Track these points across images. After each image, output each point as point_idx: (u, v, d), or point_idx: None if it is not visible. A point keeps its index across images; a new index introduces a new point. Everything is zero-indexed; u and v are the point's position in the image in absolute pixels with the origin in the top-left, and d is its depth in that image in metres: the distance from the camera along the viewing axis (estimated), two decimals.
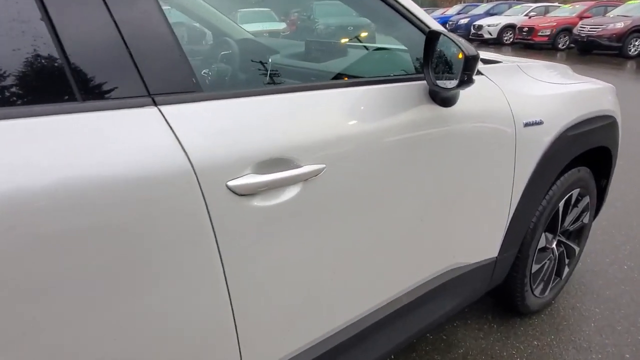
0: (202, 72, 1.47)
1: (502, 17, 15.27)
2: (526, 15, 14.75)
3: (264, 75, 1.18)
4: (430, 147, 1.17)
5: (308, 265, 0.97)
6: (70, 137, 0.66)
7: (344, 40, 1.77)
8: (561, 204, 1.72)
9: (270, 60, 1.54)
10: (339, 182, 0.97)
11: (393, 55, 1.36)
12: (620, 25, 10.59)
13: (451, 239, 1.36)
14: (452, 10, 19.53)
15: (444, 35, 1.03)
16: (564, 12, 13.61)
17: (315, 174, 0.91)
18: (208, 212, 0.78)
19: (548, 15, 13.99)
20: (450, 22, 17.16)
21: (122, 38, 0.73)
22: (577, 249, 1.98)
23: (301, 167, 0.89)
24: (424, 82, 1.14)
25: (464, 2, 23.26)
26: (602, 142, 1.75)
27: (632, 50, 10.52)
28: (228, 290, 0.84)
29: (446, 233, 1.33)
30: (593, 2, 13.80)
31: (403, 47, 1.31)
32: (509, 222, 1.49)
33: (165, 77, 0.77)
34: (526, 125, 1.40)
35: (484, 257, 1.49)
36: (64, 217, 0.64)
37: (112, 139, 0.69)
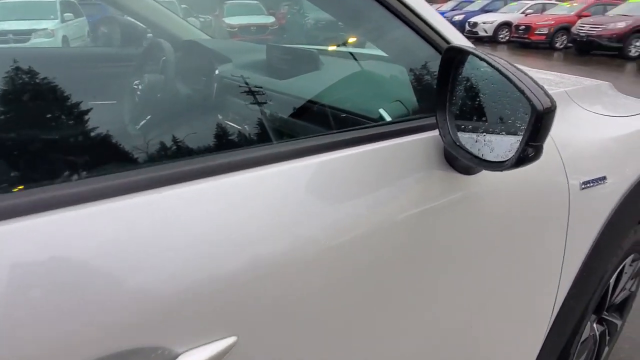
0: None
1: (498, 15, 14.81)
2: (523, 12, 14.29)
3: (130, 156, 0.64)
4: (438, 247, 0.69)
5: None
6: None
7: (321, 49, 1.26)
8: (612, 280, 1.26)
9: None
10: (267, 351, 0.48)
11: (379, 83, 0.86)
12: (621, 25, 10.18)
13: (476, 355, 0.89)
14: (446, 7, 18.98)
15: (481, 58, 0.53)
16: (562, 10, 13.18)
17: None
18: None
19: (545, 13, 13.56)
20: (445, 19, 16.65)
21: None
22: (619, 323, 1.52)
23: (177, 357, 0.40)
24: (434, 133, 0.66)
25: None
26: None
27: (633, 51, 10.13)
28: None
29: (469, 349, 0.85)
30: (592, 0, 13.39)
31: (400, 69, 0.81)
32: (551, 321, 1.01)
33: None
34: (584, 186, 0.92)
35: None
36: None
37: None
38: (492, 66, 0.52)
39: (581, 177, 0.92)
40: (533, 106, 0.47)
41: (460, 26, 15.53)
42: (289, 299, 0.52)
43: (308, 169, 0.57)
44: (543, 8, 14.36)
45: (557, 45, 12.22)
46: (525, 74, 0.51)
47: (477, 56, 0.55)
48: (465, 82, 0.59)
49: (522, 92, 0.48)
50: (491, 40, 14.14)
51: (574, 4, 13.37)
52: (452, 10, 17.60)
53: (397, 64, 0.82)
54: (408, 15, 0.67)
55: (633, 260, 1.38)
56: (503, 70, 0.51)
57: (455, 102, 0.60)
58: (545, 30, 12.21)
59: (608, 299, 1.32)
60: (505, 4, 16.10)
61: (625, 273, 1.40)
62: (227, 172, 0.51)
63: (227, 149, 0.59)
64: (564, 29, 12.02)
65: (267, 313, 0.50)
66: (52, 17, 3.70)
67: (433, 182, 0.68)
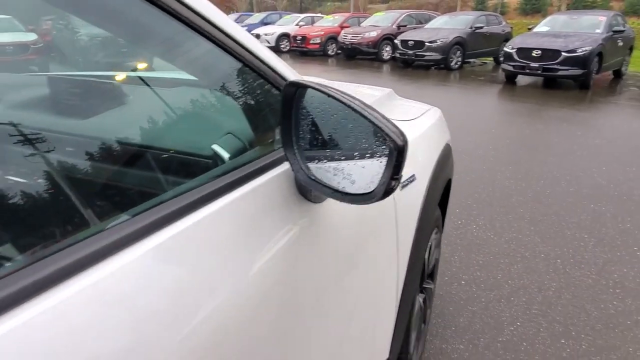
0: None
1: (277, 27, 15.95)
2: (297, 24, 15.75)
3: None
4: (307, 271, 0.69)
5: None
6: None
7: (118, 76, 1.07)
8: (426, 256, 1.49)
9: None
10: None
11: (213, 120, 0.79)
12: (373, 34, 12.24)
13: None
14: None
15: (329, 94, 0.54)
16: (328, 22, 15.03)
17: None
18: None
19: (315, 24, 15.24)
20: None
21: None
22: (433, 287, 1.82)
23: None
24: (284, 168, 0.64)
25: (237, 12, 23.63)
26: (450, 174, 1.59)
27: (385, 55, 12.29)
28: None
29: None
30: (349, 14, 15.71)
31: (229, 100, 0.77)
32: (397, 310, 1.14)
33: None
34: (403, 186, 1.06)
35: None
36: None
37: None
38: (339, 100, 0.53)
39: None
40: (394, 143, 0.51)
41: None
42: None
43: (142, 257, 0.45)
44: (312, 20, 16.11)
45: (330, 52, 13.90)
46: (374, 109, 0.54)
47: (319, 90, 0.56)
48: (309, 115, 0.59)
49: (379, 128, 0.51)
50: (274, 50, 15.10)
51: (336, 17, 15.44)
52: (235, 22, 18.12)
53: (220, 91, 0.77)
54: (233, 47, 0.63)
55: (435, 233, 1.67)
56: (351, 104, 0.52)
57: (303, 136, 0.60)
58: (318, 40, 13.74)
59: (426, 271, 1.55)
60: (281, 17, 17.45)
61: (432, 246, 1.67)
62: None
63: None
64: (333, 38, 13.75)
65: None
66: None
67: (291, 216, 0.66)
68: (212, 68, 0.73)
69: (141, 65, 1.08)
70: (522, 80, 8.89)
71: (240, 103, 0.75)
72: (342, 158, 0.57)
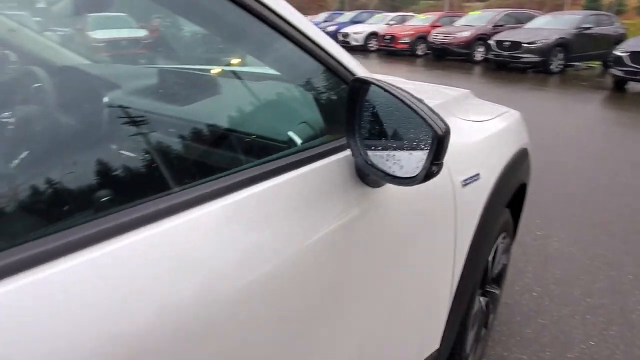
0: None
1: (366, 25, 16.02)
2: (387, 24, 15.68)
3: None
4: (361, 247, 0.77)
5: None
6: None
7: (215, 69, 1.24)
8: (490, 257, 1.49)
9: None
10: None
11: (290, 110, 0.91)
12: (466, 34, 11.79)
13: (391, 352, 0.98)
14: (319, 18, 19.95)
15: (385, 89, 0.62)
16: (419, 22, 14.76)
17: None
18: None
19: (406, 24, 15.05)
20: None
21: None
22: (498, 292, 1.80)
23: None
24: (346, 154, 0.73)
25: (328, 10, 24.09)
26: (523, 179, 1.56)
27: (477, 56, 11.77)
28: None
29: (389, 347, 0.95)
30: (442, 13, 15.26)
31: (306, 94, 0.88)
32: (451, 303, 1.17)
33: None
34: (464, 183, 1.09)
35: (427, 354, 1.15)
36: None
37: None
38: (394, 95, 0.61)
39: (461, 177, 1.08)
40: (434, 132, 0.57)
41: (333, 36, 16.47)
42: (229, 308, 0.54)
43: (222, 211, 0.57)
44: (403, 19, 15.92)
45: (418, 52, 13.65)
46: (422, 101, 0.61)
47: (379, 86, 0.64)
48: (371, 108, 0.67)
49: (423, 119, 0.58)
50: (362, 49, 15.23)
51: (428, 16, 15.09)
52: (325, 21, 18.55)
53: (299, 85, 0.88)
54: (312, 47, 0.73)
55: (503, 238, 1.65)
56: (404, 99, 0.60)
57: (364, 126, 0.69)
58: (407, 40, 13.56)
59: (489, 274, 1.55)
60: (372, 16, 17.48)
61: (499, 250, 1.66)
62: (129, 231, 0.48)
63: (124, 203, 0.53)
64: (423, 38, 13.48)
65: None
66: None
67: (349, 197, 0.75)
68: (293, 65, 0.84)
69: (233, 61, 1.23)
70: (633, 87, 8.01)
71: (315, 95, 0.85)
72: (394, 146, 0.65)
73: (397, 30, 14.15)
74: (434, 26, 13.64)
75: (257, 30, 0.71)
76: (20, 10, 1.86)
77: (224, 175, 0.60)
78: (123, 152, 0.81)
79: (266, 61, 0.91)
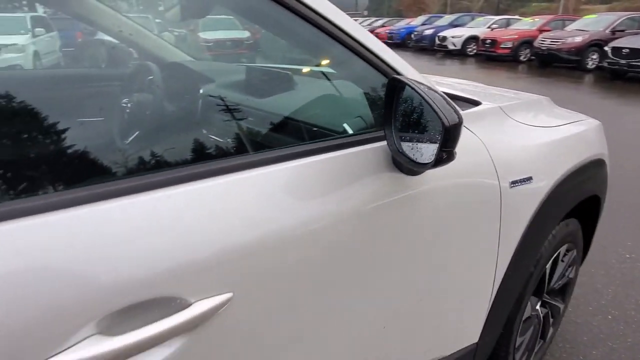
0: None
1: (466, 29, 15.45)
2: (488, 27, 14.97)
3: (148, 158, 0.75)
4: (393, 230, 0.87)
5: None
6: None
7: (293, 70, 1.42)
8: (549, 265, 1.46)
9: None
10: (257, 312, 0.65)
11: (344, 103, 1.04)
12: (578, 39, 10.83)
13: (423, 335, 1.06)
14: (417, 21, 19.67)
15: (414, 88, 0.72)
16: (524, 25, 13.88)
17: (215, 310, 0.58)
18: None
19: (510, 28, 14.24)
20: (416, 33, 17.23)
21: None
22: (561, 307, 1.74)
23: (190, 305, 0.56)
24: (384, 143, 0.84)
25: (428, 13, 23.59)
26: (594, 191, 1.51)
27: (590, 63, 10.77)
28: None
29: (417, 330, 1.03)
30: (552, 16, 14.17)
31: (357, 90, 1.00)
32: (492, 300, 1.21)
33: None
34: (513, 184, 1.12)
35: (462, 346, 1.20)
36: None
37: None
38: (417, 92, 0.71)
39: (510, 178, 1.12)
40: (442, 123, 0.66)
41: (430, 40, 16.14)
42: (271, 270, 0.68)
43: (283, 172, 0.74)
44: (507, 23, 15.07)
45: (521, 58, 12.84)
46: (441, 95, 0.69)
47: (409, 85, 0.74)
48: (404, 103, 0.77)
49: (434, 111, 0.67)
50: (460, 54, 14.73)
51: (536, 19, 14.11)
52: (423, 24, 18.25)
53: (354, 85, 1.00)
54: (359, 49, 0.86)
55: (568, 250, 1.60)
56: (424, 96, 0.69)
57: (398, 119, 0.79)
58: (509, 44, 12.83)
59: (546, 283, 1.52)
60: (473, 19, 16.80)
61: (562, 261, 1.61)
62: (219, 175, 0.67)
63: (216, 158, 0.75)
64: (527, 42, 12.66)
65: (254, 281, 0.66)
66: (22, 32, 3.69)
67: (384, 182, 0.86)
68: (351, 68, 0.97)
69: (306, 63, 1.41)
70: None
71: (366, 93, 0.98)
72: (419, 137, 0.74)
73: (498, 34, 13.45)
74: (541, 30, 12.73)
75: (325, 40, 0.85)
76: (145, 13, 2.21)
77: (287, 147, 0.79)
78: (213, 128, 1.04)
79: (332, 65, 1.07)
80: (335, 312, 0.81)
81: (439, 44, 15.54)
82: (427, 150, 0.72)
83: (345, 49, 0.86)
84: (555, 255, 1.48)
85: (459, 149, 1.00)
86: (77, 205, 0.52)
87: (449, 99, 0.70)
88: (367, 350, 0.92)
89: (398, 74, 0.89)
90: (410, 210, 0.91)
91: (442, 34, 15.57)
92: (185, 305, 0.55)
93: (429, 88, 0.72)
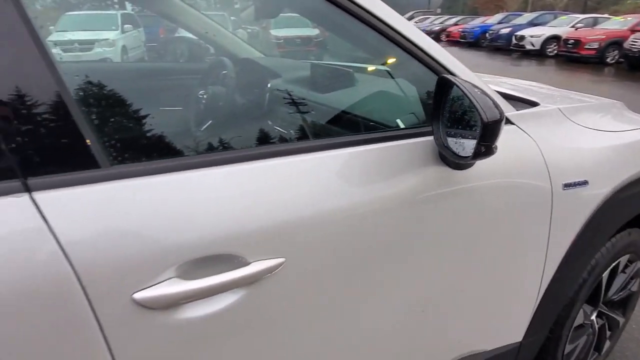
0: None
1: (546, 28, 14.55)
2: (572, 26, 13.97)
3: (221, 137, 0.87)
4: (437, 221, 0.92)
5: None
6: None
7: (352, 67, 1.51)
8: (605, 274, 1.42)
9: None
10: (304, 278, 0.75)
11: (398, 99, 1.11)
12: None
13: (462, 325, 1.10)
14: (493, 19, 18.83)
15: (459, 86, 0.77)
16: (614, 25, 12.79)
17: (269, 272, 0.68)
18: (104, 337, 0.56)
19: (597, 27, 13.21)
20: (491, 32, 16.51)
21: None
22: (621, 320, 1.66)
23: (249, 264, 0.67)
24: (432, 138, 0.89)
25: (506, 11, 22.47)
26: None
27: None
28: None
29: (456, 319, 1.07)
30: None
31: (411, 87, 1.06)
32: (538, 301, 1.21)
33: (48, 155, 0.56)
34: (566, 186, 1.12)
35: (505, 342, 1.22)
36: None
37: None
38: (462, 91, 0.76)
39: (563, 180, 1.12)
40: (481, 118, 0.71)
41: (506, 40, 15.39)
42: (320, 243, 0.77)
43: (339, 157, 0.83)
44: (594, 22, 13.98)
45: (608, 60, 11.87)
46: (485, 93, 0.74)
47: (460, 88, 0.79)
48: (451, 101, 0.82)
49: (475, 107, 0.72)
50: (538, 54, 13.91)
51: (628, 18, 12.95)
52: (499, 23, 17.44)
53: (408, 83, 1.07)
54: (413, 49, 0.92)
55: (630, 261, 1.53)
56: (468, 95, 0.74)
57: (445, 115, 0.84)
58: (595, 45, 11.91)
59: (602, 293, 1.47)
60: (555, 18, 15.78)
61: (623, 272, 1.55)
62: (281, 156, 0.77)
63: (281, 142, 0.87)
64: (616, 43, 11.67)
65: (304, 251, 0.75)
66: (113, 28, 4.09)
67: (431, 174, 0.91)
68: (406, 68, 1.03)
69: (366, 61, 1.49)
70: None
71: (419, 90, 1.04)
72: (462, 132, 0.79)
73: (583, 34, 12.51)
74: (634, 30, 11.66)
75: (382, 42, 0.92)
76: (222, 11, 2.39)
77: (341, 136, 0.91)
78: (276, 127, 1.16)
79: (384, 62, 1.15)
80: (375, 289, 0.89)
81: (515, 44, 14.77)
82: (468, 145, 0.77)
83: (401, 49, 0.93)
84: (614, 264, 1.44)
85: (509, 147, 1.04)
86: (173, 172, 0.65)
87: (493, 97, 0.74)
88: (403, 330, 0.98)
89: (450, 72, 0.94)
90: (455, 204, 0.96)
91: (519, 33, 14.78)
92: (245, 263, 0.66)
93: (474, 86, 0.77)
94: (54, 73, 0.56)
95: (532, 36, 14.20)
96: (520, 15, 18.14)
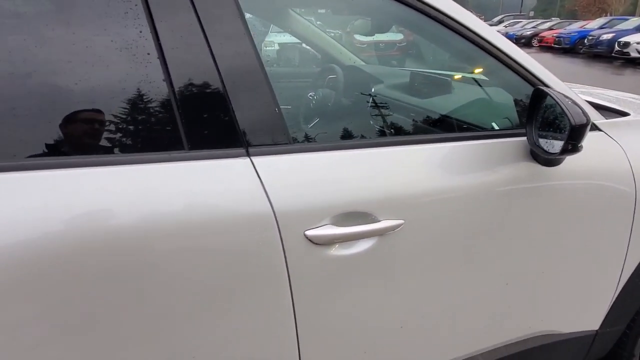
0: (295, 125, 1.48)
1: None
2: None
3: (353, 128, 1.14)
4: (526, 209, 1.10)
5: (377, 315, 0.99)
6: (171, 182, 0.78)
7: (450, 75, 1.70)
8: None
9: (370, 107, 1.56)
10: (417, 239, 0.98)
11: (494, 105, 1.30)
12: None
13: (541, 304, 1.26)
14: (593, 24, 17.50)
15: (552, 96, 0.96)
16: None
17: (392, 229, 0.92)
18: (285, 258, 0.84)
19: None
20: (590, 37, 15.37)
21: (226, 92, 0.83)
22: None
23: (379, 221, 0.91)
24: (525, 138, 1.08)
25: (610, 15, 20.72)
26: None
27: None
28: (297, 331, 0.90)
29: (535, 297, 1.23)
30: None
31: (507, 95, 1.24)
32: (617, 293, 1.32)
33: (260, 130, 0.85)
34: None
35: (580, 329, 1.34)
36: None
37: (205, 184, 0.80)
38: (554, 100, 0.94)
39: None
40: (569, 121, 0.89)
41: (608, 46, 14.27)
42: (429, 215, 0.99)
43: (444, 149, 1.04)
44: None
45: None
46: (575, 102, 0.92)
47: (553, 98, 0.96)
48: (544, 108, 1.00)
49: (564, 113, 0.90)
50: None
51: None
52: (600, 28, 16.18)
53: (504, 91, 1.25)
54: (510, 63, 1.10)
55: None
56: (560, 103, 0.92)
57: (538, 120, 1.02)
58: None
59: None
60: None
61: None
62: (389, 146, 1.01)
63: (403, 134, 1.16)
64: None
65: (417, 218, 0.98)
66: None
67: (520, 169, 1.09)
68: (502, 77, 1.22)
69: (460, 70, 1.69)
70: None
71: (514, 97, 1.22)
72: (553, 134, 0.97)
73: None
74: None
75: (475, 50, 1.12)
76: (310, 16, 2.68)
77: (445, 133, 1.15)
78: (379, 116, 1.40)
79: (484, 73, 1.34)
80: (469, 257, 1.07)
81: (618, 51, 13.64)
82: (557, 144, 0.95)
83: (499, 62, 1.12)
84: None
85: (596, 152, 1.18)
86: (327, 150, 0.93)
87: (581, 106, 0.92)
88: (490, 299, 1.16)
89: (542, 83, 1.11)
90: (542, 197, 1.12)
91: (624, 39, 13.62)
92: (376, 220, 0.91)
93: (565, 96, 0.95)
94: (263, 67, 0.86)
95: (639, 43, 13.03)
96: (626, 19, 16.68)
